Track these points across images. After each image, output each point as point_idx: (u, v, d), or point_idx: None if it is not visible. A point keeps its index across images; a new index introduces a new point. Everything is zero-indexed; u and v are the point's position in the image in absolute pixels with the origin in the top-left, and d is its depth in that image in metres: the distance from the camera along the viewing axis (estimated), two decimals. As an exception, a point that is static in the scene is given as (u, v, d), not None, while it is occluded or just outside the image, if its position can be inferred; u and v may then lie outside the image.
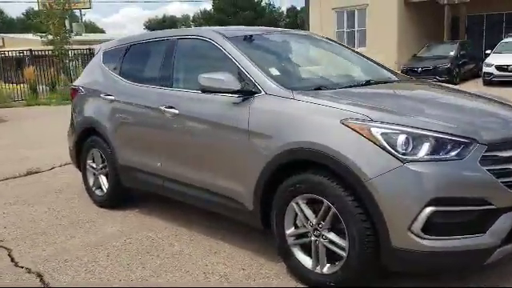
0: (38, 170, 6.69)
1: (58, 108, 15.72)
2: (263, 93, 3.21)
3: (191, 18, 69.69)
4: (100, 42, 20.14)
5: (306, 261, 3.00)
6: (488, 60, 16.37)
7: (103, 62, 4.92)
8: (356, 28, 23.44)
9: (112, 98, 4.51)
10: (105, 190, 4.79)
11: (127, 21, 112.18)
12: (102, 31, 73.32)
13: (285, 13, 66.07)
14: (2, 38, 38.20)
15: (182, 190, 3.84)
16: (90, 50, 19.86)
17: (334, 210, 2.75)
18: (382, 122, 2.63)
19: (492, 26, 22.81)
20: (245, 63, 3.38)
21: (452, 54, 17.42)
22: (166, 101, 3.90)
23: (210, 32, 3.82)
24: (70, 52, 19.53)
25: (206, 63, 3.84)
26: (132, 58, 4.59)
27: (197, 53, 3.97)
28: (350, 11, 23.55)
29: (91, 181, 4.99)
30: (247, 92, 3.27)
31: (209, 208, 3.75)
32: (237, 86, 3.24)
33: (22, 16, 68.75)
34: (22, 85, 18.51)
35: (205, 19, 62.68)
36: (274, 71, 3.45)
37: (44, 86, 18.94)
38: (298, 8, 63.86)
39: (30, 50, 18.96)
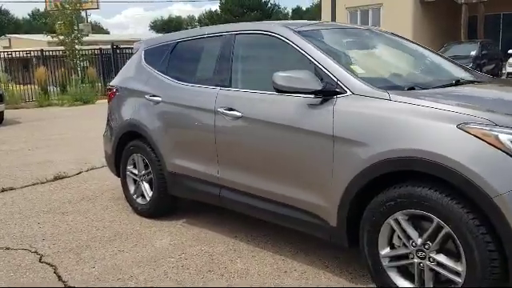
0: (66, 175, 6.35)
1: (70, 109, 15.43)
2: (349, 93, 2.84)
3: (197, 19, 69.50)
4: (107, 42, 19.90)
5: (406, 285, 2.62)
6: (512, 60, 16.02)
7: (145, 60, 4.57)
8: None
9: (158, 99, 4.15)
10: (148, 199, 4.43)
11: (130, 21, 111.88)
12: (107, 32, 73.17)
13: (290, 14, 65.84)
14: (9, 39, 38.00)
15: (245, 201, 3.48)
16: (100, 50, 19.57)
17: (447, 229, 2.38)
18: (509, 128, 2.26)
19: (509, 25, 22.41)
20: (324, 60, 3.02)
21: (473, 53, 17.04)
22: (225, 102, 3.54)
23: (276, 27, 3.45)
24: (81, 52, 19.15)
25: (273, 61, 3.48)
26: (180, 56, 4.23)
27: (261, 49, 3.61)
28: (363, 10, 23.20)
29: (132, 188, 4.64)
30: (328, 92, 2.90)
31: (279, 222, 3.39)
32: (318, 85, 2.88)
33: (28, 17, 68.67)
34: (28, 85, 18.18)
35: (210, 19, 62.42)
36: (358, 69, 3.08)
37: (54, 87, 18.59)
38: (304, 8, 63.53)
39: (41, 51, 18.64)
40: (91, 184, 5.90)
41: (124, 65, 4.92)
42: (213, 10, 79.24)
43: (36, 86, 18.19)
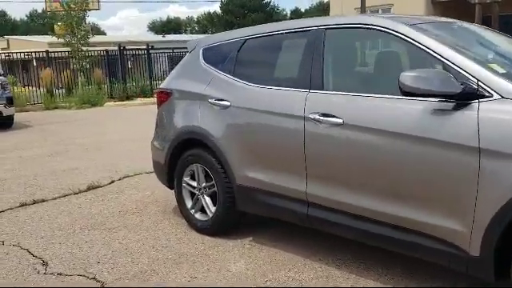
0: (99, 185, 5.86)
1: (79, 112, 14.93)
2: (497, 97, 2.37)
3: (195, 20, 69.03)
4: (107, 43, 19.33)
5: None
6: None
7: (205, 60, 4.09)
8: (380, 28, 22.58)
9: (226, 103, 3.67)
10: (210, 214, 3.95)
11: (125, 23, 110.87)
12: (103, 33, 72.56)
13: (288, 15, 65.47)
14: (7, 40, 37.35)
15: (344, 223, 3.01)
16: (106, 51, 19.06)
17: None
18: None
19: (522, 25, 22.06)
20: (457, 58, 2.56)
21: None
22: (319, 107, 3.07)
23: (383, 20, 2.99)
24: (87, 53, 18.62)
25: (382, 59, 2.99)
26: (251, 55, 3.77)
27: (362, 46, 3.13)
28: (373, 11, 22.78)
29: (189, 202, 4.16)
30: (469, 96, 2.43)
31: (394, 248, 2.91)
32: (457, 88, 2.42)
33: (25, 18, 67.93)
34: (28, 88, 17.60)
35: (209, 21, 61.95)
36: (497, 67, 2.61)
37: (59, 89, 18.05)
38: (302, 10, 63.26)
39: (47, 52, 18.10)
40: (130, 195, 5.41)
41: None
42: (210, 11, 78.82)
43: (36, 88, 17.66)
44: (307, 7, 69.94)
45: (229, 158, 3.66)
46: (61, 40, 19.63)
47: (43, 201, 5.32)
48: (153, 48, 19.67)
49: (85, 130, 10.74)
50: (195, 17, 72.98)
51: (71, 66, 18.94)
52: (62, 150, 8.43)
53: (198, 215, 4.09)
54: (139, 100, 17.25)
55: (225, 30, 42.01)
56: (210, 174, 3.90)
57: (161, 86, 4.48)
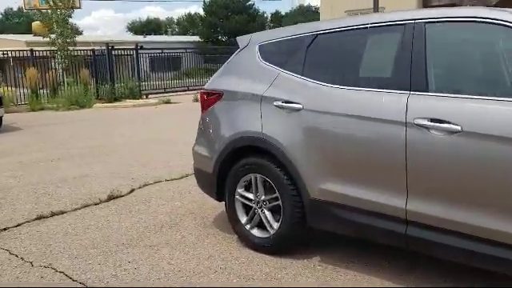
0: (120, 194, 5.35)
1: (69, 114, 14.30)
2: None
3: (175, 21, 68.17)
4: (86, 43, 18.54)
5: None
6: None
7: (263, 58, 3.66)
8: (371, 32, 22.40)
9: (298, 106, 3.25)
10: (271, 231, 3.52)
11: (100, 23, 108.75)
12: (81, 33, 71.11)
13: (269, 18, 65.13)
14: (-18, 39, 36.02)
15: (460, 246, 2.60)
16: (93, 50, 18.39)
17: None
18: None
19: None
20: None
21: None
22: (427, 111, 2.68)
23: (501, 13, 2.59)
24: (73, 52, 17.91)
25: (505, 57, 2.60)
26: (327, 52, 3.35)
27: (476, 42, 2.74)
28: (364, 14, 22.54)
29: (243, 216, 3.73)
30: None
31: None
32: None
33: (0, 16, 66.10)
34: (7, 88, 16.79)
35: (189, 22, 61.21)
36: None
37: (43, 90, 17.28)
38: (283, 13, 63.09)
39: (31, 50, 17.33)
40: (158, 206, 4.92)
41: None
42: (186, 13, 77.94)
43: (15, 88, 16.87)
44: (287, 10, 69.85)
45: (300, 168, 3.23)
46: (39, 39, 18.85)
47: (62, 212, 4.81)
48: (142, 48, 19.05)
49: (82, 133, 10.15)
50: (174, 18, 72.05)
51: (56, 66, 18.17)
52: (64, 154, 7.86)
53: (254, 231, 3.65)
54: (128, 101, 16.61)
55: (208, 31, 41.57)
56: (273, 186, 3.46)
57: (208, 87, 4.02)
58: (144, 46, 19.74)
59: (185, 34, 56.31)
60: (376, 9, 14.31)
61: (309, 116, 3.20)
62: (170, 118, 12.24)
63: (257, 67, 3.67)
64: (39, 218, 4.66)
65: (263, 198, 3.57)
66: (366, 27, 3.14)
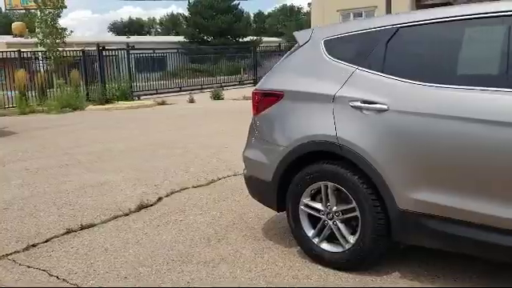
0: (149, 203, 4.96)
1: (63, 117, 13.77)
2: None
3: (158, 21, 67.40)
4: (68, 44, 17.79)
5: None
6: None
7: (330, 54, 3.33)
8: (363, 31, 22.24)
9: (382, 106, 2.92)
10: (345, 246, 3.19)
11: (77, 24, 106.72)
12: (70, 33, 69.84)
13: (252, 17, 64.92)
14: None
15: None
16: (83, 51, 17.85)
17: None
18: None
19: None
20: None
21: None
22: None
23: None
24: (63, 53, 17.31)
25: None
26: (413, 47, 3.05)
27: None
28: (356, 13, 22.43)
29: (309, 229, 3.41)
30: None
31: None
32: None
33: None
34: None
35: (172, 22, 60.58)
36: None
37: (32, 92, 16.66)
38: (266, 13, 62.94)
39: (19, 51, 16.69)
40: (196, 216, 4.57)
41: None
42: (167, 13, 77.09)
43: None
44: (270, 10, 69.66)
45: (386, 175, 2.90)
46: (21, 39, 18.21)
47: (92, 225, 4.42)
48: (133, 48, 18.55)
49: (82, 137, 9.67)
50: (155, 18, 71.20)
51: (45, 67, 17.56)
52: (71, 159, 7.41)
53: (324, 245, 3.32)
54: (121, 103, 16.11)
55: (193, 31, 41.00)
56: (348, 196, 3.12)
57: (263, 87, 3.68)
58: (120, 47, 18.96)
59: (168, 35, 55.70)
60: (389, 7, 14.06)
61: (397, 118, 2.88)
62: (170, 120, 11.82)
63: (324, 64, 3.34)
64: (68, 231, 4.26)
65: (335, 208, 3.23)
66: (461, 19, 2.81)
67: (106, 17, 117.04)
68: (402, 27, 3.06)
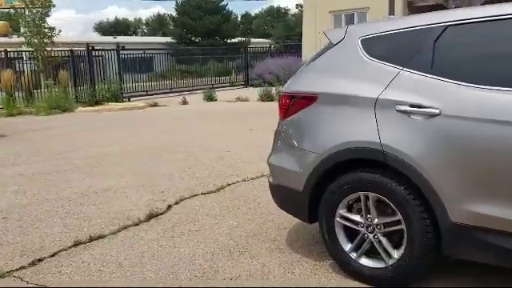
0: (159, 212, 4.69)
1: (52, 119, 13.37)
2: None
3: (144, 22, 66.77)
4: (56, 44, 17.25)
5: None
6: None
7: (369, 53, 3.08)
8: (355, 32, 22.10)
9: (433, 111, 2.69)
10: (388, 261, 2.95)
11: (61, 24, 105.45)
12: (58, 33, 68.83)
13: (239, 19, 64.73)
14: None
15: None
16: (71, 51, 17.40)
17: None
18: None
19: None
20: None
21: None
22: None
23: None
24: (50, 53, 16.85)
25: None
26: (468, 47, 2.81)
27: None
28: (348, 14, 22.31)
29: (346, 243, 3.16)
30: None
31: None
32: None
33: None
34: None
35: (159, 23, 60.02)
36: None
37: (18, 93, 16.17)
38: (253, 14, 62.74)
39: (5, 51, 16.21)
40: (212, 226, 4.30)
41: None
42: (153, 13, 76.35)
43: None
44: (257, 11, 69.44)
45: (437, 186, 2.67)
46: (5, 39, 17.70)
47: (102, 236, 4.12)
48: (124, 48, 18.16)
49: (77, 140, 9.30)
50: (141, 18, 70.53)
51: (31, 67, 17.08)
52: (68, 164, 7.06)
53: (363, 261, 3.07)
54: (112, 105, 15.73)
55: (181, 31, 40.54)
56: (392, 207, 2.88)
57: (292, 89, 3.42)
58: (107, 48, 18.47)
59: (154, 35, 55.18)
60: (392, 10, 13.89)
61: (449, 123, 2.65)
62: (165, 123, 11.50)
63: (363, 65, 3.09)
64: (76, 244, 3.97)
65: (377, 221, 2.99)
66: (522, 17, 2.58)
67: (91, 17, 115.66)
68: (451, 25, 2.82)
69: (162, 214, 4.67)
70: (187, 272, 3.36)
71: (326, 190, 3.18)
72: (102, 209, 4.87)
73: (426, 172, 2.71)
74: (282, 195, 3.49)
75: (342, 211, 3.13)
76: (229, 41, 40.44)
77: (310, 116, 3.25)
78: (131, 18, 68.30)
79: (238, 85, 22.96)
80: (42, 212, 4.83)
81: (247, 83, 23.16)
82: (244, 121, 10.83)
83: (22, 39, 17.36)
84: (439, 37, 2.84)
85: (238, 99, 15.77)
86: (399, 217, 2.87)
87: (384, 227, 2.97)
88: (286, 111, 3.42)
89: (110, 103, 16.19)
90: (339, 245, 3.16)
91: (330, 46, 3.35)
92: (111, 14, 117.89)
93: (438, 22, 2.87)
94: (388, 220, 2.94)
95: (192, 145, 8.18)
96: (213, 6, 40.48)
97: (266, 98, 15.32)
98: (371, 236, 3.03)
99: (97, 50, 17.31)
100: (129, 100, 17.57)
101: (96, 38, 44.16)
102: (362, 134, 2.97)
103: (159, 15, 58.74)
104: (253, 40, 41.88)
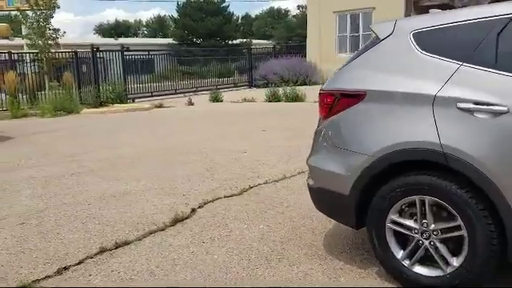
0: (184, 216, 4.50)
1: (58, 121, 13.24)
2: None
3: (144, 23, 66.59)
4: (57, 46, 16.99)
5: None
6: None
7: (422, 48, 2.88)
8: (361, 32, 22.02)
9: (500, 108, 2.50)
10: (447, 269, 2.76)
11: (60, 26, 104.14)
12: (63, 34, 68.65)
13: (240, 20, 64.61)
14: None
15: None
16: (75, 52, 17.21)
17: None
18: None
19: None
20: None
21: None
22: None
23: None
24: (55, 55, 16.65)
25: None
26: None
27: None
28: (353, 14, 22.14)
29: (397, 250, 2.95)
30: None
31: None
32: None
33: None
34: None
35: (159, 24, 59.84)
36: None
37: (22, 95, 15.98)
38: (253, 16, 62.58)
39: (10, 53, 16.00)
40: (241, 230, 4.14)
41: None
42: (154, 15, 76.19)
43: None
44: (257, 13, 69.33)
45: (506, 189, 2.46)
46: (5, 41, 17.50)
47: (127, 243, 3.93)
48: (128, 50, 17.96)
49: (86, 142, 9.10)
50: (142, 20, 70.33)
51: (35, 69, 16.88)
52: (80, 167, 6.86)
53: (418, 269, 2.88)
54: (117, 106, 15.53)
55: (182, 33, 40.37)
56: (452, 212, 2.68)
57: (336, 87, 3.23)
58: (107, 49, 18.22)
59: (155, 37, 54.99)
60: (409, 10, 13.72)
61: (523, 121, 2.44)
62: (174, 124, 11.31)
63: (416, 60, 2.90)
64: (102, 250, 3.76)
65: (433, 226, 2.79)
66: None
67: (89, 19, 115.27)
68: (515, 17, 2.62)
69: (186, 218, 4.47)
70: (225, 281, 3.17)
71: (375, 194, 2.97)
72: (124, 213, 4.66)
73: (491, 173, 2.52)
74: (325, 199, 3.29)
75: (393, 216, 2.94)
76: (230, 42, 40.27)
77: (357, 115, 3.05)
78: (131, 20, 68.03)
79: (242, 86, 22.77)
80: (61, 217, 4.63)
81: (251, 84, 22.97)
82: (254, 121, 10.64)
83: (24, 41, 17.12)
84: (503, 29, 2.64)
85: (245, 100, 15.57)
86: (459, 222, 2.68)
87: (441, 233, 2.77)
88: (329, 110, 3.22)
89: (114, 105, 15.99)
90: (390, 252, 2.97)
91: (377, 41, 3.15)
92: (109, 16, 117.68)
93: (502, 14, 2.68)
94: (446, 225, 2.75)
95: (205, 146, 7.98)
96: (214, 8, 40.32)
97: (274, 98, 15.12)
98: (427, 242, 2.83)
99: (101, 51, 17.08)
100: (133, 101, 17.38)
101: (97, 39, 43.89)
102: (418, 133, 2.77)
103: (159, 17, 58.53)
104: (254, 41, 41.74)
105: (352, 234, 3.85)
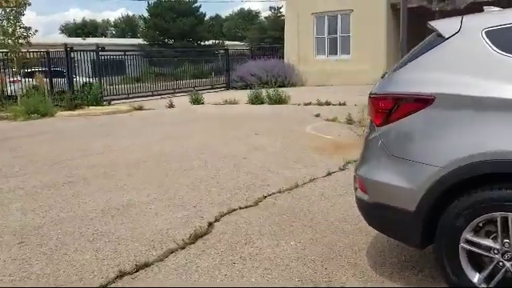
0: (204, 232, 4.14)
1: (33, 124, 12.57)
2: None
3: (112, 23, 65.19)
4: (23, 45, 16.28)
5: None
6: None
7: (498, 48, 2.58)
8: (339, 34, 21.92)
9: None
10: (535, 295, 2.42)
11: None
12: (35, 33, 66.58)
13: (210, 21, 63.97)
14: None
15: None
16: (48, 52, 16.49)
17: None
18: None
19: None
20: None
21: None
22: None
23: None
24: (25, 55, 15.87)
25: None
26: None
27: None
28: (331, 16, 22.01)
29: (473, 272, 2.64)
30: None
31: None
32: None
33: None
34: None
35: (127, 24, 58.71)
36: None
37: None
38: (223, 16, 62.13)
39: (-23, 52, 15.16)
40: (272, 248, 3.77)
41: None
42: (116, 16, 74.74)
43: None
44: (227, 14, 68.83)
45: None
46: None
47: (148, 264, 3.51)
48: (103, 50, 17.31)
49: (69, 148, 8.50)
50: (111, 20, 68.84)
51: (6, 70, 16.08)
52: (70, 176, 6.35)
53: (497, 293, 2.54)
54: (93, 109, 14.90)
55: (153, 33, 39.53)
56: (542, 231, 2.38)
57: (399, 91, 2.88)
58: (76, 48, 17.51)
59: (124, 37, 53.90)
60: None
61: None
62: (161, 127, 10.78)
63: (493, 61, 2.61)
64: (122, 274, 3.35)
65: (518, 246, 2.47)
66: None
67: (52, 19, 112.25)
68: None
69: (206, 233, 4.08)
70: (276, 311, 2.77)
71: (446, 210, 2.64)
72: (134, 228, 4.23)
73: None
74: (384, 216, 2.95)
75: (468, 235, 2.62)
76: (202, 43, 39.75)
77: (425, 122, 2.73)
78: (99, 20, 66.48)
79: (219, 87, 22.37)
80: (63, 234, 4.17)
81: (228, 85, 22.59)
82: (244, 125, 10.25)
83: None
84: None
85: (226, 102, 15.16)
86: (551, 243, 2.37)
87: (525, 254, 2.46)
88: (387, 116, 2.88)
89: (90, 107, 15.35)
90: (465, 275, 2.65)
91: (440, 39, 2.83)
92: (73, 15, 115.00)
93: None
94: (530, 246, 2.44)
95: (202, 151, 7.56)
96: (186, 8, 39.71)
97: (257, 100, 14.76)
98: (508, 264, 2.52)
99: (76, 50, 16.41)
100: (109, 103, 16.76)
101: (63, 39, 42.61)
102: (502, 143, 2.45)
103: (128, 17, 57.32)
104: (226, 42, 41.30)
105: (395, 250, 3.54)
